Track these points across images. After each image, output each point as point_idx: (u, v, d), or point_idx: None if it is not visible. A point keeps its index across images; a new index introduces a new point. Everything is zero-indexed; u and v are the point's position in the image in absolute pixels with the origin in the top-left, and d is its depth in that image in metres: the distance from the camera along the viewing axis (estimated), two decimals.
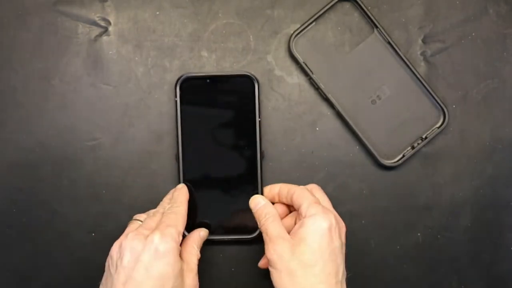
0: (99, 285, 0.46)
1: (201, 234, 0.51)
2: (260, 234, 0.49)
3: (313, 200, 0.47)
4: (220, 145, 0.53)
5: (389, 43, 0.56)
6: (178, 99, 0.52)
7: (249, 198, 0.51)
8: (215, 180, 0.53)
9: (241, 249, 0.56)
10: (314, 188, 0.51)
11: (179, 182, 0.53)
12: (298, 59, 0.55)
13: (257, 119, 0.52)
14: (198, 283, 0.47)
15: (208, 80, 0.52)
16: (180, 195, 0.50)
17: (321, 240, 0.45)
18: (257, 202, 0.50)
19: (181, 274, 0.45)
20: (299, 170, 0.56)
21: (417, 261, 0.57)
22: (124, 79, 0.56)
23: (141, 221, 0.48)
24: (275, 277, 0.45)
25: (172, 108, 0.55)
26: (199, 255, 0.49)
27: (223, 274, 0.56)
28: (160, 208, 0.50)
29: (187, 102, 0.52)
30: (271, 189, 0.53)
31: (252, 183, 0.53)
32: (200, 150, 0.53)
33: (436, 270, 0.57)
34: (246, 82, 0.52)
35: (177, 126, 0.52)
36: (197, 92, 0.52)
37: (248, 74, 0.52)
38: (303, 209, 0.47)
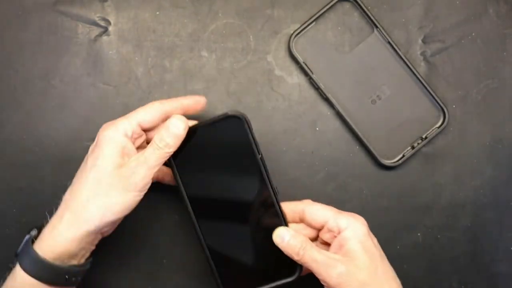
0: None
1: (172, 125, 0.45)
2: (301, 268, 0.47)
3: (333, 211, 0.46)
4: (231, 198, 0.48)
5: (389, 43, 0.56)
6: (176, 172, 0.47)
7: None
8: (237, 233, 0.48)
9: None
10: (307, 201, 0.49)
11: (202, 248, 0.48)
12: (298, 59, 0.55)
13: (258, 157, 0.47)
14: (134, 174, 0.43)
15: (195, 132, 0.47)
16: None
17: (368, 244, 0.45)
18: (282, 236, 0.45)
19: (112, 158, 0.43)
20: (299, 170, 0.56)
21: (417, 261, 0.57)
22: (124, 79, 0.56)
23: None
24: None
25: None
26: (158, 147, 0.44)
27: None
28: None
29: (184, 167, 0.47)
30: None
31: (273, 221, 0.47)
32: (212, 210, 0.48)
33: (436, 270, 0.57)
34: (235, 123, 0.46)
35: (182, 196, 0.47)
36: (190, 150, 0.47)
37: (234, 114, 0.46)
38: (333, 225, 0.45)
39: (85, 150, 0.55)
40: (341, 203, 0.56)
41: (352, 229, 0.45)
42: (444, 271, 0.57)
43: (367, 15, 0.56)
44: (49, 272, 0.43)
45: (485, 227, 0.57)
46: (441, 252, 0.57)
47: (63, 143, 0.55)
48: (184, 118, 0.46)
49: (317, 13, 0.55)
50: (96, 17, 0.56)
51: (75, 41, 0.56)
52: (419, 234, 0.57)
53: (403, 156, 0.56)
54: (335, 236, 0.45)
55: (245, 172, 0.47)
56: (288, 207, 0.48)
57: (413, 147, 0.56)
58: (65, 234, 0.43)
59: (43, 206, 0.55)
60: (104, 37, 0.56)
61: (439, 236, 0.57)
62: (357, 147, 0.56)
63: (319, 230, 0.48)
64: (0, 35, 0.55)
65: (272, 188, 0.47)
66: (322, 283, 0.44)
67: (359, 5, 0.56)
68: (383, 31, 0.55)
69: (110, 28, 0.56)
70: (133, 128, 0.45)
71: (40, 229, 0.45)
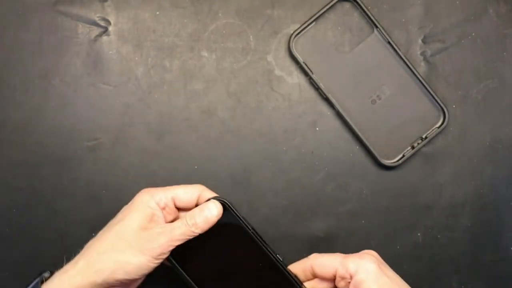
0: None
1: (207, 208, 0.45)
2: None
3: (339, 257, 0.45)
4: (238, 278, 0.48)
5: (389, 43, 0.56)
6: (178, 268, 0.47)
7: None
8: None
9: None
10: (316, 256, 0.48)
11: None
12: (298, 59, 0.55)
13: (250, 232, 0.46)
14: (160, 244, 0.43)
15: None
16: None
17: (383, 281, 0.44)
18: None
19: (138, 221, 0.44)
20: (299, 170, 0.56)
21: (417, 261, 0.57)
22: (124, 79, 0.56)
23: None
24: None
25: (172, 108, 0.55)
26: (187, 224, 0.45)
27: None
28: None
29: (184, 263, 0.47)
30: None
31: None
32: None
33: (436, 270, 0.57)
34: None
35: (187, 281, 0.47)
36: (187, 250, 0.46)
37: (218, 200, 0.46)
38: (343, 272, 0.45)
39: (85, 150, 0.55)
40: (341, 203, 0.56)
41: (363, 271, 0.44)
42: (444, 271, 0.57)
43: (367, 15, 0.56)
44: None
45: (485, 227, 0.57)
46: (441, 252, 0.57)
47: (63, 143, 0.55)
48: (220, 207, 0.46)
49: (317, 13, 0.55)
50: (96, 17, 0.56)
51: (75, 41, 0.56)
52: (419, 234, 0.57)
53: (403, 156, 0.56)
54: (349, 282, 0.45)
55: (244, 249, 0.47)
56: (298, 268, 0.48)
57: (413, 147, 0.56)
58: (73, 280, 0.43)
59: (43, 206, 0.55)
60: (104, 37, 0.56)
61: (439, 236, 0.57)
62: (357, 147, 0.56)
63: (333, 280, 0.47)
64: (0, 35, 0.55)
65: (274, 257, 0.47)
66: None
67: (359, 5, 0.56)
68: (383, 31, 0.55)
69: (110, 28, 0.56)
70: (167, 200, 0.46)
71: (52, 273, 0.45)
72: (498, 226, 0.57)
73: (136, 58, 0.56)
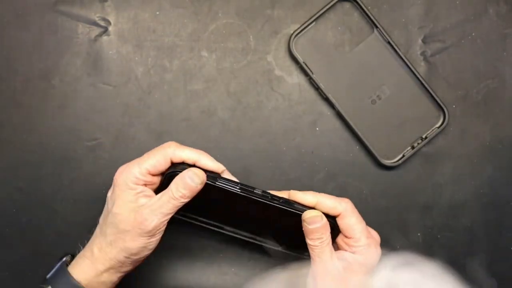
0: None
1: (183, 175, 0.45)
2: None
3: (364, 231, 0.46)
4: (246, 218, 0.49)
5: (389, 43, 0.56)
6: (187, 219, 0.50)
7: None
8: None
9: (241, 249, 0.56)
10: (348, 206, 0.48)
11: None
12: (298, 59, 0.55)
13: (236, 192, 0.46)
14: (147, 221, 0.44)
15: None
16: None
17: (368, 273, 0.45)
18: (316, 221, 0.45)
19: (124, 208, 0.45)
20: (299, 170, 0.56)
21: None
22: (124, 79, 0.56)
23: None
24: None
25: (172, 108, 0.55)
26: (172, 195, 0.45)
27: (223, 274, 0.56)
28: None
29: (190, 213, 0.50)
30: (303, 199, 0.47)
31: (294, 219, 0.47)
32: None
33: None
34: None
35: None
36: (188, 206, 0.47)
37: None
38: (355, 242, 0.46)
39: (85, 150, 0.55)
40: None
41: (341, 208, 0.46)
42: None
43: (367, 15, 0.56)
44: None
45: (485, 227, 0.57)
46: (441, 252, 0.57)
47: (63, 143, 0.55)
48: (202, 175, 0.45)
49: (317, 13, 0.55)
50: (96, 17, 0.56)
51: (75, 41, 0.56)
52: (419, 234, 0.57)
53: (403, 156, 0.56)
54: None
55: (237, 200, 0.46)
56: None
57: (413, 147, 0.56)
58: (96, 266, 0.46)
59: (43, 206, 0.55)
60: (104, 37, 0.56)
61: (439, 236, 0.57)
62: (357, 147, 0.56)
63: None
64: (0, 35, 0.55)
65: (268, 201, 0.46)
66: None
67: (359, 5, 0.56)
68: (383, 31, 0.55)
69: (110, 28, 0.56)
70: (143, 176, 0.46)
71: (73, 256, 0.47)
72: (498, 226, 0.57)
73: (136, 58, 0.56)
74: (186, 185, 0.45)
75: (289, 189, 0.49)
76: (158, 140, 0.55)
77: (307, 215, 0.45)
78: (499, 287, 0.57)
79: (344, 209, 0.46)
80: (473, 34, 0.57)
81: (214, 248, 0.56)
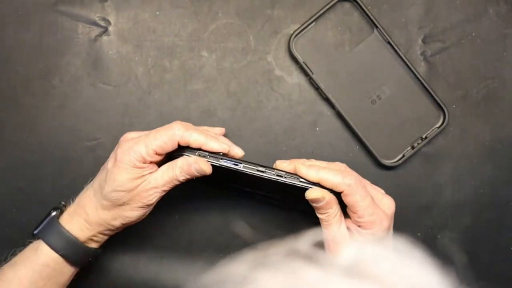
0: None
1: (191, 162, 0.46)
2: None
3: (369, 207, 0.45)
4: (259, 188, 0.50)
5: (389, 43, 0.56)
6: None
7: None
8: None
9: (241, 249, 0.56)
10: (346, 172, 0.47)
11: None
12: (298, 59, 0.55)
13: (242, 171, 0.46)
14: (149, 196, 0.46)
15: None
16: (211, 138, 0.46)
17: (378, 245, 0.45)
18: (318, 200, 0.45)
19: (127, 184, 0.45)
20: None
21: None
22: (124, 79, 0.56)
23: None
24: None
25: (172, 108, 0.55)
26: (175, 177, 0.46)
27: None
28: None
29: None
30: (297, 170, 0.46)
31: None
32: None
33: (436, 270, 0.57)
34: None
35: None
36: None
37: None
38: (359, 218, 0.45)
39: (85, 150, 0.55)
40: None
41: (376, 233, 0.45)
42: (444, 271, 0.57)
43: (367, 15, 0.56)
44: (79, 253, 0.47)
45: (485, 227, 0.57)
46: (441, 252, 0.57)
47: (63, 143, 0.55)
48: (207, 168, 0.46)
49: (317, 13, 0.55)
50: (96, 17, 0.56)
51: (75, 41, 0.56)
52: (419, 234, 0.57)
53: (403, 156, 0.56)
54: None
55: (247, 177, 0.47)
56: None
57: (413, 147, 0.56)
58: (92, 227, 0.47)
59: (43, 206, 0.55)
60: (104, 37, 0.56)
61: (439, 236, 0.57)
62: (357, 147, 0.56)
63: None
64: (0, 35, 0.55)
65: (275, 179, 0.46)
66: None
67: (359, 5, 0.56)
68: (383, 31, 0.55)
69: (110, 28, 0.56)
70: (149, 156, 0.46)
71: (61, 210, 0.48)
72: (498, 226, 0.57)
73: (136, 58, 0.56)
74: (190, 173, 0.46)
75: None
76: None
77: (308, 195, 0.45)
78: (499, 287, 0.57)
79: (348, 185, 0.44)
80: (473, 34, 0.57)
81: (214, 248, 0.56)
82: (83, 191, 0.49)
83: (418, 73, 0.56)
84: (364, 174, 0.56)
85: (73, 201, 0.49)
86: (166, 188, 0.46)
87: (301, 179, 0.46)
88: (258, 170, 0.46)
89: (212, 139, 0.47)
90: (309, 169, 0.45)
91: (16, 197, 0.55)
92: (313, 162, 0.48)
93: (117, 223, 0.47)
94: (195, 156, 0.46)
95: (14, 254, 0.47)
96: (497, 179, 0.57)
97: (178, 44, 0.56)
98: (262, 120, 0.56)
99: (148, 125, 0.55)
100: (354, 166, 0.56)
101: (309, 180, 0.45)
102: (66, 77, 0.55)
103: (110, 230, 0.48)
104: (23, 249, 0.47)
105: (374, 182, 0.56)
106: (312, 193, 0.45)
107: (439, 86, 0.57)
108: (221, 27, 0.56)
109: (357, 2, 0.56)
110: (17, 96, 0.55)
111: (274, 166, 0.47)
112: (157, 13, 0.56)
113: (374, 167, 0.56)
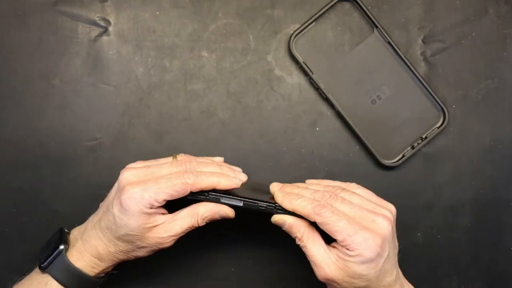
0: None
1: (216, 210, 0.47)
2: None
3: (347, 229, 0.43)
4: None
5: (389, 43, 0.56)
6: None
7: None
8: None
9: (241, 249, 0.56)
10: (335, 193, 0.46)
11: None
12: (298, 59, 0.55)
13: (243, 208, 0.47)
14: (167, 243, 0.46)
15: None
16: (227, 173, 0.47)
17: (373, 266, 0.43)
18: (280, 224, 0.46)
19: (140, 229, 0.45)
20: (299, 170, 0.56)
21: (417, 261, 0.57)
22: (124, 79, 0.56)
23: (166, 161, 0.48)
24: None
25: (172, 108, 0.55)
26: (196, 224, 0.47)
27: (223, 274, 0.56)
28: (187, 161, 0.47)
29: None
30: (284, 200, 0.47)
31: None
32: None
33: (436, 270, 0.57)
34: None
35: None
36: None
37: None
38: (341, 242, 0.44)
39: (85, 150, 0.55)
40: None
41: (361, 257, 0.43)
42: (444, 271, 0.57)
43: (367, 15, 0.56)
44: (87, 285, 0.47)
45: (485, 227, 0.57)
46: (441, 252, 0.57)
47: (63, 143, 0.55)
48: (231, 212, 0.47)
49: (317, 13, 0.55)
50: (96, 17, 0.56)
51: (75, 41, 0.56)
52: (419, 234, 0.57)
53: (403, 156, 0.56)
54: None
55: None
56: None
57: (413, 147, 0.56)
58: (103, 263, 0.47)
59: (43, 206, 0.55)
60: (104, 37, 0.56)
61: (439, 236, 0.57)
62: (357, 147, 0.56)
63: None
64: (0, 35, 0.55)
65: (263, 210, 0.47)
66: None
67: (359, 5, 0.56)
68: (383, 31, 0.55)
69: (110, 28, 0.56)
70: (159, 203, 0.45)
71: (67, 243, 0.47)
72: (498, 226, 0.57)
73: (136, 58, 0.56)
74: (214, 219, 0.47)
75: None
76: (158, 140, 0.55)
77: (272, 220, 0.46)
78: (499, 287, 0.57)
79: (317, 215, 0.44)
80: (473, 34, 0.57)
81: (214, 248, 0.56)
82: (89, 227, 0.48)
83: (418, 73, 0.56)
84: (364, 174, 0.56)
85: (78, 224, 0.49)
86: (183, 232, 0.46)
87: (277, 207, 0.46)
88: (260, 207, 0.47)
89: (224, 177, 0.47)
90: (284, 199, 0.46)
91: (16, 197, 0.55)
92: (308, 184, 0.49)
93: (130, 259, 0.47)
94: (218, 204, 0.46)
95: (18, 282, 0.47)
96: (497, 179, 0.57)
97: (178, 44, 0.56)
98: (262, 120, 0.56)
99: (148, 125, 0.55)
100: (354, 166, 0.56)
101: (285, 209, 0.46)
102: (66, 77, 0.55)
103: (120, 263, 0.48)
104: (24, 278, 0.47)
105: (374, 182, 0.56)
106: (273, 218, 0.46)
107: (439, 86, 0.57)
108: (221, 27, 0.56)
109: (357, 2, 0.56)
110: (17, 96, 0.55)
111: (270, 188, 0.48)
112: (157, 13, 0.56)
113: (374, 167, 0.56)
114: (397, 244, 0.47)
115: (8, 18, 0.55)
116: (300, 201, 0.45)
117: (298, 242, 0.46)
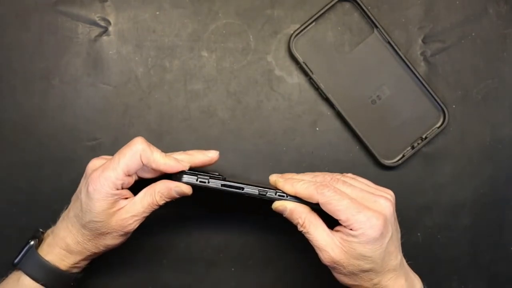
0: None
1: (171, 187, 0.46)
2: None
3: (350, 208, 0.43)
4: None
5: (389, 43, 0.56)
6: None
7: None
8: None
9: (241, 249, 0.56)
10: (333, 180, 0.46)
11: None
12: (298, 59, 0.55)
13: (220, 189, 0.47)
14: (130, 225, 0.46)
15: None
16: (195, 154, 0.48)
17: (377, 247, 0.43)
18: (281, 210, 0.46)
19: (104, 214, 0.45)
20: (299, 170, 0.56)
21: (417, 261, 0.56)
22: (124, 79, 0.56)
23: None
24: (340, 276, 0.45)
25: (172, 108, 0.55)
26: (155, 202, 0.46)
27: (223, 274, 0.56)
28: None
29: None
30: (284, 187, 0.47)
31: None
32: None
33: (436, 270, 0.57)
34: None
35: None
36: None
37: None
38: (344, 222, 0.43)
39: (85, 150, 0.55)
40: None
41: (366, 236, 0.43)
42: (444, 271, 0.57)
43: (367, 15, 0.56)
44: (61, 281, 0.47)
45: (485, 227, 0.57)
46: (441, 252, 0.57)
47: (63, 143, 0.55)
48: (188, 189, 0.47)
49: (317, 13, 0.55)
50: (96, 17, 0.56)
51: (75, 41, 0.56)
52: (419, 234, 0.57)
53: (403, 156, 0.56)
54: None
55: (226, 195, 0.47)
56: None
57: (413, 147, 0.56)
58: (73, 256, 0.47)
59: (43, 206, 0.55)
60: (104, 37, 0.56)
61: (439, 236, 0.57)
62: (357, 147, 0.56)
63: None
64: (0, 35, 0.55)
65: (257, 194, 0.46)
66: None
67: (359, 5, 0.56)
68: (383, 31, 0.55)
69: (110, 28, 0.56)
70: (121, 180, 0.45)
71: (39, 239, 0.48)
72: (498, 226, 0.57)
73: (136, 58, 0.56)
74: (171, 196, 0.46)
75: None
76: (158, 140, 0.55)
77: (273, 207, 0.46)
78: (499, 287, 0.57)
79: (321, 195, 0.44)
80: (473, 34, 0.57)
81: (214, 248, 0.56)
82: (59, 221, 0.48)
83: (418, 73, 0.56)
84: (364, 174, 0.56)
85: (54, 223, 0.49)
86: (146, 214, 0.46)
87: (279, 193, 0.46)
88: (241, 189, 0.46)
89: (193, 153, 0.47)
90: (285, 183, 0.46)
91: (16, 197, 0.55)
92: (307, 175, 0.48)
93: (99, 250, 0.47)
94: (174, 182, 0.46)
95: None
96: (497, 179, 0.57)
97: (178, 44, 0.56)
98: (262, 120, 0.56)
99: (148, 125, 0.55)
100: (354, 166, 0.56)
101: (286, 193, 0.46)
102: (66, 77, 0.55)
103: (92, 256, 0.48)
104: (5, 279, 0.47)
105: (374, 182, 0.56)
106: (274, 205, 0.46)
107: (439, 86, 0.57)
108: (221, 27, 0.56)
109: (357, 2, 0.56)
110: (17, 96, 0.55)
111: (270, 178, 0.48)
112: (157, 13, 0.56)
113: (374, 167, 0.56)
114: (399, 229, 0.47)
115: (8, 18, 0.55)
116: (301, 183, 0.45)
117: (300, 228, 0.45)
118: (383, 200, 0.45)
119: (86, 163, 0.55)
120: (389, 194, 0.46)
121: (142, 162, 0.45)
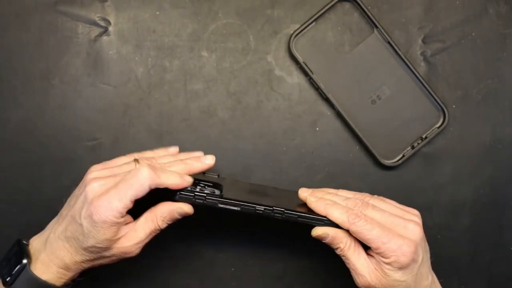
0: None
1: (173, 208, 0.46)
2: None
3: (380, 237, 0.43)
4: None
5: (389, 43, 0.56)
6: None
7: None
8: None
9: (241, 249, 0.56)
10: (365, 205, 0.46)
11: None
12: (298, 59, 0.55)
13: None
14: (132, 252, 0.46)
15: None
16: (194, 163, 0.48)
17: (409, 271, 0.44)
18: (323, 238, 0.46)
19: (107, 242, 0.44)
20: (299, 170, 0.56)
21: None
22: (124, 79, 0.56)
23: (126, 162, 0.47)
24: None
25: (172, 108, 0.55)
26: (158, 228, 0.46)
27: (223, 274, 0.56)
28: (150, 155, 0.48)
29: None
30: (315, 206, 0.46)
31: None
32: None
33: (436, 270, 0.57)
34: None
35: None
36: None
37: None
38: (376, 250, 0.44)
39: (85, 150, 0.55)
40: None
41: (398, 265, 0.44)
42: (444, 271, 0.57)
43: (367, 15, 0.56)
44: None
45: (485, 227, 0.57)
46: (441, 252, 0.57)
47: (63, 143, 0.55)
48: (189, 209, 0.46)
49: (317, 13, 0.55)
50: (96, 17, 0.56)
51: (75, 41, 0.56)
52: None
53: (403, 156, 0.56)
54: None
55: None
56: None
57: (413, 147, 0.56)
58: (70, 273, 0.46)
59: (43, 206, 0.55)
60: (104, 37, 0.56)
61: (439, 236, 0.57)
62: (357, 147, 0.56)
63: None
64: (0, 35, 0.55)
65: (269, 212, 0.46)
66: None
67: (359, 5, 0.56)
68: (383, 31, 0.55)
69: (110, 28, 0.56)
70: (127, 207, 0.44)
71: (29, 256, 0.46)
72: (498, 225, 0.57)
73: (136, 58, 0.56)
74: (174, 218, 0.46)
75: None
76: (158, 140, 0.55)
77: (313, 234, 0.46)
78: (499, 287, 0.57)
79: (352, 224, 0.44)
80: (473, 34, 0.57)
81: (214, 248, 0.56)
82: (52, 238, 0.46)
83: (418, 73, 0.56)
84: (364, 174, 0.56)
85: (41, 229, 0.48)
86: (149, 239, 0.46)
87: (302, 215, 0.45)
88: (256, 213, 0.45)
89: (181, 176, 0.46)
90: (317, 204, 0.46)
91: (16, 197, 0.55)
92: (340, 191, 0.48)
93: (96, 266, 0.47)
94: (174, 202, 0.46)
95: None
96: (497, 179, 0.57)
97: (178, 44, 0.56)
98: (262, 120, 0.56)
99: (148, 125, 0.55)
100: (354, 166, 0.56)
101: (318, 213, 0.46)
102: (66, 77, 0.55)
103: (89, 269, 0.47)
104: None
105: (374, 182, 0.56)
106: (315, 232, 0.46)
107: (439, 86, 0.57)
108: (221, 27, 0.56)
109: (357, 2, 0.56)
110: (17, 96, 0.55)
111: (299, 193, 0.47)
112: (157, 13, 0.56)
113: (374, 167, 0.56)
114: (428, 247, 0.47)
115: (8, 18, 0.55)
116: (334, 208, 0.45)
117: (339, 252, 0.46)
118: (412, 225, 0.45)
119: (86, 163, 0.55)
120: (417, 217, 0.47)
121: (149, 188, 0.44)
